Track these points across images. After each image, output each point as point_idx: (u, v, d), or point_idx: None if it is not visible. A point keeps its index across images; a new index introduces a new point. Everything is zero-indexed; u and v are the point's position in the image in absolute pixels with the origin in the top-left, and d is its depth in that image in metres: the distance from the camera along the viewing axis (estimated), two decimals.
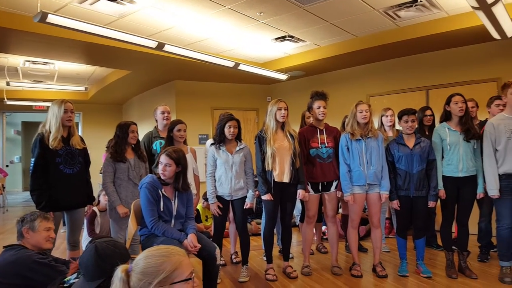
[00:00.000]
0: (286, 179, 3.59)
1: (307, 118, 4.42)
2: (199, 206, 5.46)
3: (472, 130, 3.52)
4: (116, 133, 3.60)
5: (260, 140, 3.63)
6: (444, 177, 3.57)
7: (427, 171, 3.57)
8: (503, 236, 3.40)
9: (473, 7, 3.41)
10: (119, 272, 1.22)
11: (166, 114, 4.21)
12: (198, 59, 5.20)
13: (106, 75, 7.93)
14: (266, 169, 3.56)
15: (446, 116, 3.66)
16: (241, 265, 3.79)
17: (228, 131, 3.58)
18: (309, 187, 3.71)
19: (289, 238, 3.83)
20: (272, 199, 3.56)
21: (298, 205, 4.38)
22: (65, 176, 3.22)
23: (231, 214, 3.92)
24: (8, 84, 7.37)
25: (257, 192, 3.82)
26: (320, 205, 3.87)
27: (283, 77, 6.64)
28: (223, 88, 7.95)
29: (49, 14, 3.43)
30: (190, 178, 3.58)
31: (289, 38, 5.52)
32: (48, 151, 3.14)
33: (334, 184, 3.73)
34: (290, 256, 4.03)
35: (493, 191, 3.39)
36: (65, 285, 1.99)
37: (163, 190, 2.82)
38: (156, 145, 4.10)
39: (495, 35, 4.21)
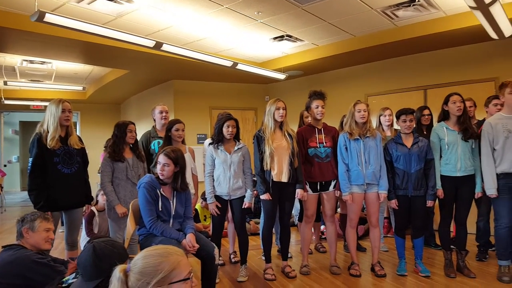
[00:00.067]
0: (284, 178, 3.59)
1: (306, 118, 4.42)
2: (197, 206, 5.46)
3: (470, 130, 3.53)
4: (114, 133, 3.60)
5: (259, 140, 3.63)
6: (442, 177, 3.58)
7: (425, 171, 3.57)
8: (501, 235, 3.41)
9: (470, 7, 3.42)
10: (117, 272, 1.21)
11: (164, 114, 4.21)
12: (196, 59, 5.20)
13: (104, 75, 7.91)
14: (265, 169, 3.56)
15: (444, 116, 3.67)
16: (240, 264, 3.78)
17: (227, 130, 3.58)
18: (307, 187, 3.71)
19: (287, 237, 3.83)
20: (271, 198, 3.56)
21: (297, 205, 4.38)
22: (63, 176, 3.21)
23: (229, 214, 3.92)
24: (5, 83, 7.36)
25: (255, 192, 3.82)
26: (318, 204, 3.87)
27: (281, 76, 6.64)
28: (221, 88, 7.94)
29: (46, 13, 3.41)
30: (189, 178, 3.58)
31: (287, 37, 5.52)
32: (46, 150, 3.13)
33: (333, 183, 3.73)
34: (289, 255, 4.03)
35: (491, 190, 3.39)
36: (63, 285, 1.99)
37: (161, 189, 2.82)
38: (154, 144, 4.10)
39: (493, 35, 4.22)
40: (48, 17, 3.46)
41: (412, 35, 5.07)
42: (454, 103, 3.55)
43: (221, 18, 4.67)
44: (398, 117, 3.67)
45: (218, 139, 3.63)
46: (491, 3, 3.29)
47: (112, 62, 6.33)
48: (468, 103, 3.95)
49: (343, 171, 3.62)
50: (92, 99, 9.74)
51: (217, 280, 3.20)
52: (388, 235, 5.00)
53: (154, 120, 4.29)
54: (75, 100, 9.41)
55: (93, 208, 4.41)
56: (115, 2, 4.11)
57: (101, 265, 1.63)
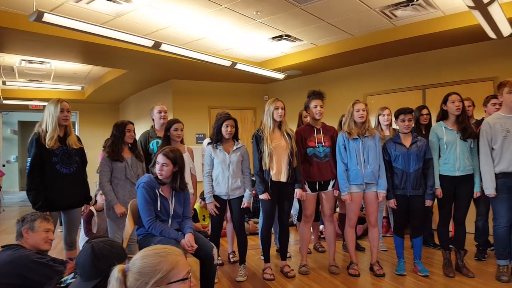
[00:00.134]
0: (283, 178, 3.59)
1: (304, 117, 4.42)
2: (196, 206, 5.45)
3: (468, 129, 3.53)
4: (113, 133, 3.60)
5: (257, 139, 3.63)
6: (441, 176, 3.58)
7: (424, 170, 3.58)
8: (500, 234, 3.42)
9: (469, 7, 3.42)
10: (115, 272, 1.21)
11: (163, 114, 4.21)
12: (195, 58, 5.20)
13: (102, 74, 7.90)
14: (264, 168, 3.56)
15: (443, 115, 3.67)
16: (239, 264, 3.78)
17: (225, 130, 3.58)
18: (306, 186, 3.71)
19: (286, 237, 3.83)
20: (270, 198, 3.56)
21: (296, 204, 4.39)
22: (61, 176, 3.21)
23: (228, 214, 3.92)
24: (4, 83, 7.36)
25: (254, 191, 3.82)
26: (317, 204, 3.88)
27: (280, 76, 6.64)
28: (220, 88, 7.94)
29: (45, 13, 3.41)
30: (187, 178, 3.58)
31: (286, 37, 5.52)
32: (44, 150, 3.13)
33: (331, 183, 3.73)
34: (288, 255, 4.03)
35: (490, 190, 3.40)
36: (62, 285, 1.99)
37: (160, 189, 2.82)
38: (153, 144, 4.09)
39: (491, 34, 4.23)
40: (47, 17, 3.46)
41: (410, 34, 5.07)
42: (453, 102, 3.56)
43: (220, 17, 4.67)
44: (396, 117, 3.68)
45: (217, 139, 3.63)
46: (489, 3, 3.29)
47: (110, 62, 6.32)
48: (466, 103, 3.95)
49: (342, 171, 3.62)
50: (91, 99, 9.72)
51: (216, 280, 3.20)
52: (387, 235, 5.00)
53: (153, 120, 4.28)
54: (74, 100, 9.40)
55: (92, 208, 4.41)
56: (113, 2, 4.10)
57: (99, 265, 1.63)
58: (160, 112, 4.20)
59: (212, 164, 3.64)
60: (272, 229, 3.84)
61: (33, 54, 5.81)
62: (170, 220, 2.87)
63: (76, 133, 3.89)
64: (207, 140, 3.95)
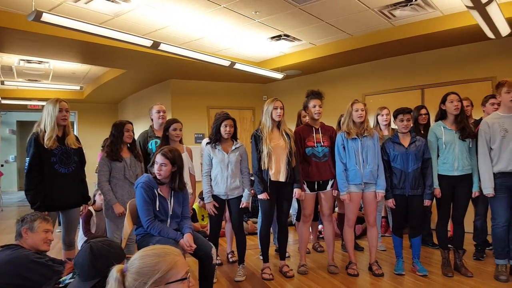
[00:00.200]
0: (282, 178, 3.59)
1: (303, 117, 4.42)
2: (195, 206, 5.45)
3: (467, 129, 3.54)
4: (112, 132, 3.59)
5: (256, 139, 3.63)
6: (439, 176, 3.59)
7: (423, 170, 3.58)
8: (499, 234, 3.42)
9: (467, 7, 3.42)
10: (114, 272, 1.21)
11: (161, 113, 4.20)
12: (194, 58, 5.19)
13: (101, 74, 7.89)
14: (262, 168, 3.56)
15: (442, 115, 3.68)
16: (238, 264, 3.78)
17: (224, 130, 3.58)
18: (305, 186, 3.71)
19: (285, 237, 3.83)
20: (268, 198, 3.56)
21: (294, 204, 4.39)
22: (60, 176, 3.20)
23: (227, 213, 3.92)
24: (2, 83, 7.34)
25: (252, 191, 3.82)
26: (316, 204, 3.88)
27: (279, 76, 6.63)
28: (219, 87, 7.94)
29: (43, 13, 3.40)
30: (186, 178, 3.58)
31: (284, 37, 5.52)
32: (43, 150, 3.12)
33: (330, 183, 3.74)
34: (287, 255, 4.03)
35: (488, 189, 3.40)
36: (60, 285, 1.98)
37: (159, 189, 2.82)
38: (152, 144, 4.09)
39: (490, 34, 4.23)
40: (45, 17, 3.45)
41: (409, 34, 5.08)
42: (452, 102, 3.56)
43: (219, 17, 4.67)
44: (395, 117, 3.68)
45: (216, 139, 3.63)
46: (487, 3, 3.29)
47: (109, 62, 6.31)
48: (465, 103, 3.96)
49: (341, 171, 3.62)
50: (90, 98, 9.71)
51: (214, 280, 3.20)
52: (385, 235, 5.01)
53: (152, 119, 4.28)
54: (73, 99, 9.38)
55: (91, 208, 4.40)
56: (112, 1, 4.10)
57: (98, 265, 1.63)
58: (158, 112, 4.20)
59: (211, 164, 3.64)
60: (271, 229, 3.84)
61: (31, 54, 5.80)
62: (168, 220, 2.86)
63: (75, 133, 3.88)
64: (206, 140, 3.95)
